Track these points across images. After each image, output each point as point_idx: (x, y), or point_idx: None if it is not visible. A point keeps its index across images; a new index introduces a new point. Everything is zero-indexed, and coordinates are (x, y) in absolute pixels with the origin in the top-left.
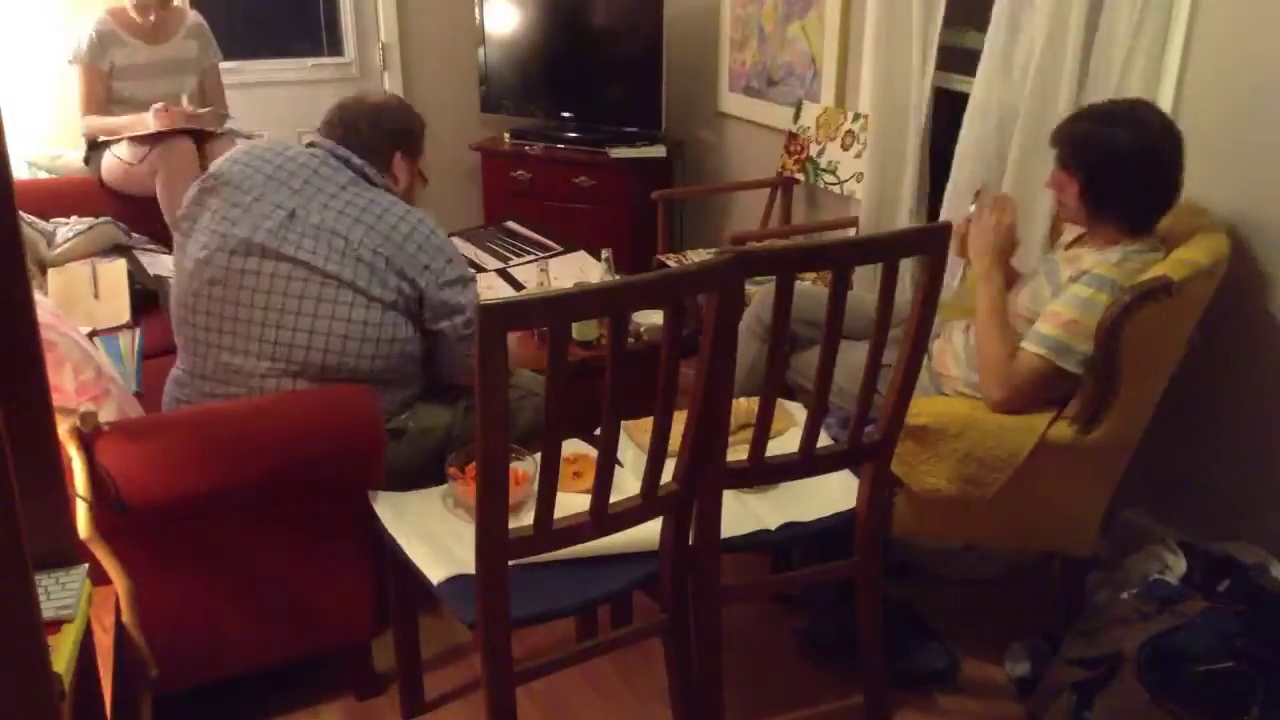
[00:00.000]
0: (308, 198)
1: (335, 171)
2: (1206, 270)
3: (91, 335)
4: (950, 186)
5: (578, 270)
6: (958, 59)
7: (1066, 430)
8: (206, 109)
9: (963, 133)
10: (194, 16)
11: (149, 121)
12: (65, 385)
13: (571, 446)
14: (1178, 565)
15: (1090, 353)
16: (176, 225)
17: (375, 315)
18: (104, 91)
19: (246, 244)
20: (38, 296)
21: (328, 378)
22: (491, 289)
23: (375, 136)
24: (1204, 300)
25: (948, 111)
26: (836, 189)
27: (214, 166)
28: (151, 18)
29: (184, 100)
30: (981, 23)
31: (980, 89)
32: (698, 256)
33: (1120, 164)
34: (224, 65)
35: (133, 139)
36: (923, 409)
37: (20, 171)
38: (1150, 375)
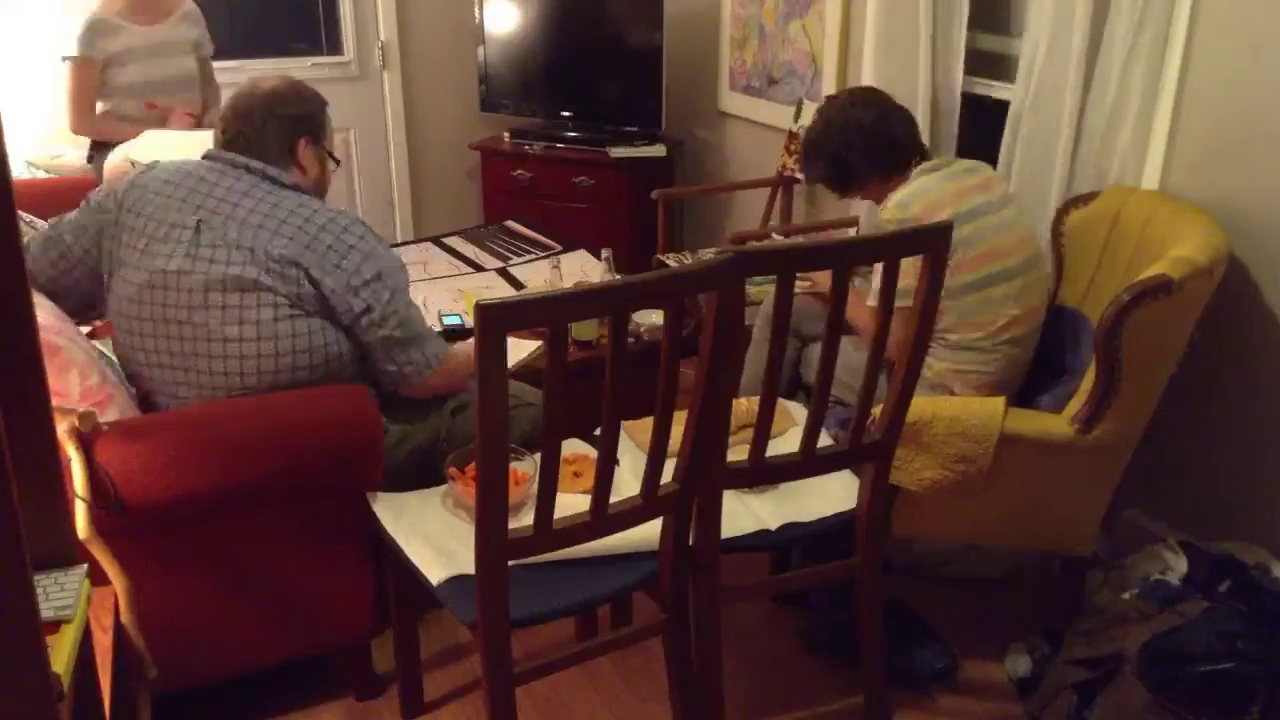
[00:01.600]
0: (211, 210)
1: (235, 180)
2: (1206, 269)
3: (91, 336)
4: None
5: (578, 270)
6: (980, 61)
7: (1066, 430)
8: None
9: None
10: (190, 3)
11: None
12: (70, 390)
13: (571, 446)
14: (1178, 565)
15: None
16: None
17: (300, 325)
18: (95, 90)
19: (162, 275)
20: (45, 301)
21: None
22: (491, 289)
23: (273, 130)
24: (1203, 299)
25: (962, 113)
26: None
27: (115, 190)
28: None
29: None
30: (989, 24)
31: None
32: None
33: (824, 141)
34: (224, 65)
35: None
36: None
37: (20, 171)
38: (1150, 374)
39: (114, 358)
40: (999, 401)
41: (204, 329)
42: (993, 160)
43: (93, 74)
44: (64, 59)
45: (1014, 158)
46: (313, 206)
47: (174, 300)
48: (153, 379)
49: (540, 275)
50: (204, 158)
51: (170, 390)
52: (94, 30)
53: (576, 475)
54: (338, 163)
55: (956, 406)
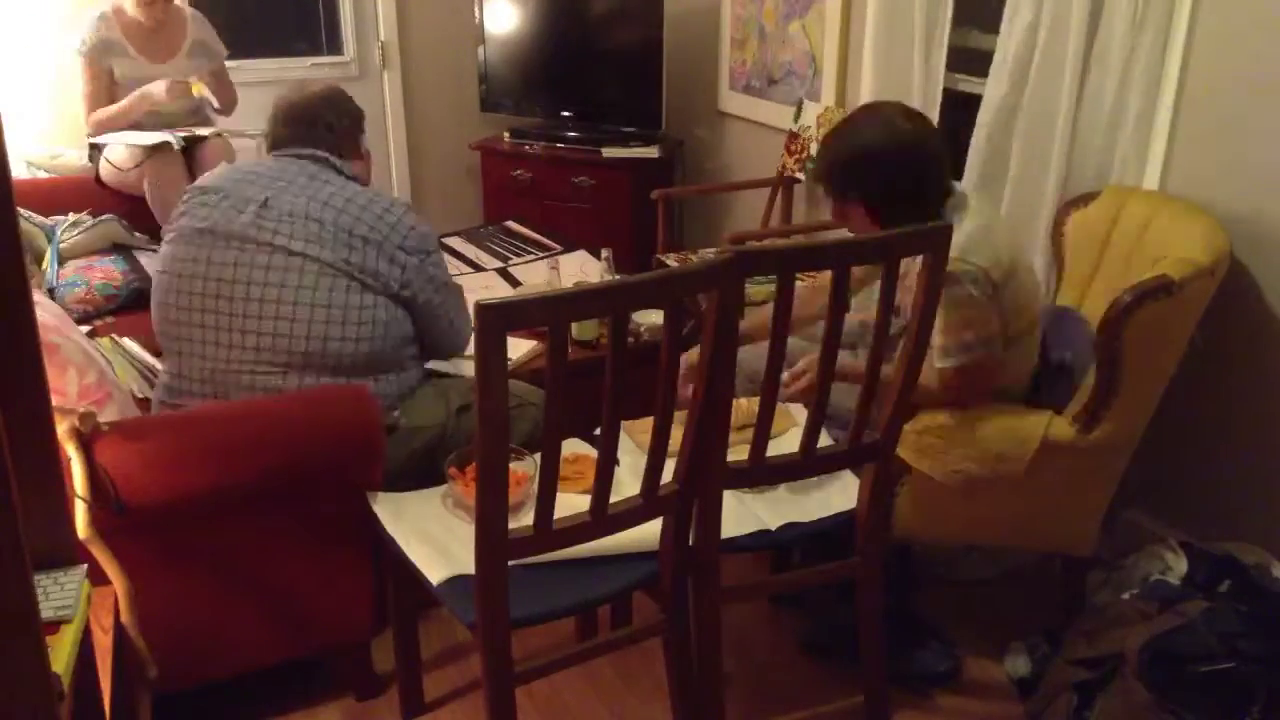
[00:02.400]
0: (279, 190)
1: (302, 168)
2: (1207, 270)
3: (91, 335)
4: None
5: (578, 269)
6: (962, 59)
7: (1067, 430)
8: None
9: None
10: (197, 30)
11: (154, 94)
12: (68, 389)
13: (571, 447)
14: (1178, 565)
15: (991, 333)
16: (164, 235)
17: (356, 298)
18: (108, 90)
19: (224, 235)
20: (43, 299)
21: (314, 365)
22: (491, 288)
23: (343, 125)
24: (1204, 300)
25: (950, 112)
26: None
27: (197, 182)
28: (156, 16)
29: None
30: (984, 23)
31: (993, 88)
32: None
33: (883, 165)
34: (224, 53)
35: (129, 145)
36: (935, 413)
37: (20, 171)
38: (1151, 375)
39: (112, 358)
40: (1039, 423)
41: (265, 289)
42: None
43: (105, 76)
44: (78, 53)
45: (1009, 157)
46: (375, 194)
47: (228, 259)
48: (202, 348)
49: (539, 275)
50: (272, 157)
51: (207, 360)
52: (106, 46)
53: (578, 475)
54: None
55: (1003, 415)
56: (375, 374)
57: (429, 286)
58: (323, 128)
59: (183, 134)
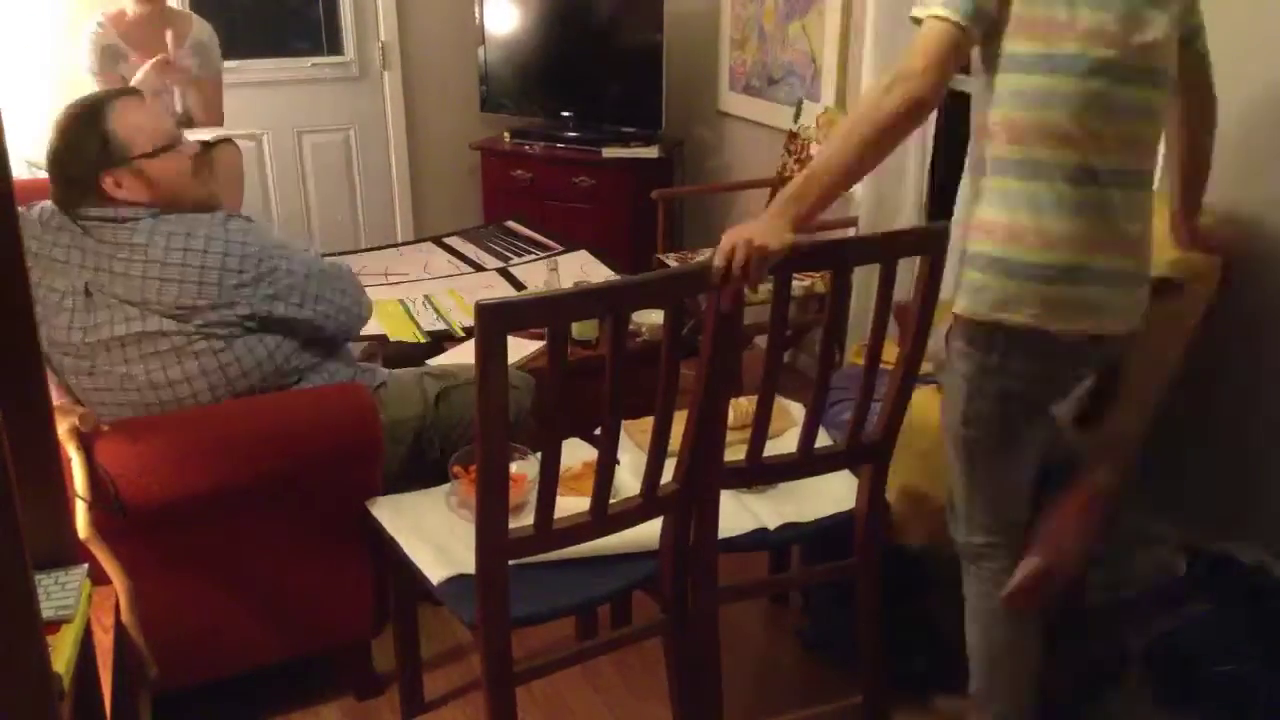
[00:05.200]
0: (91, 270)
1: (85, 233)
2: (1207, 270)
3: None
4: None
5: (577, 269)
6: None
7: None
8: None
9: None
10: (200, 31)
11: (144, 83)
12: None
13: (571, 448)
14: (1178, 565)
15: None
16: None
17: (225, 354)
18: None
19: (63, 345)
20: None
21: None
22: (492, 289)
23: (71, 180)
24: (1204, 299)
25: (950, 111)
26: None
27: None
28: (157, 6)
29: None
30: None
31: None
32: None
33: None
34: (223, 65)
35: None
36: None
37: (20, 171)
38: (1152, 374)
39: None
40: None
41: (133, 380)
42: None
43: (118, 81)
44: (94, 74)
45: None
46: (163, 238)
47: (85, 367)
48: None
49: (539, 276)
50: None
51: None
52: (111, 54)
53: (578, 477)
54: (201, 160)
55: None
56: (317, 374)
57: (279, 305)
58: (66, 184)
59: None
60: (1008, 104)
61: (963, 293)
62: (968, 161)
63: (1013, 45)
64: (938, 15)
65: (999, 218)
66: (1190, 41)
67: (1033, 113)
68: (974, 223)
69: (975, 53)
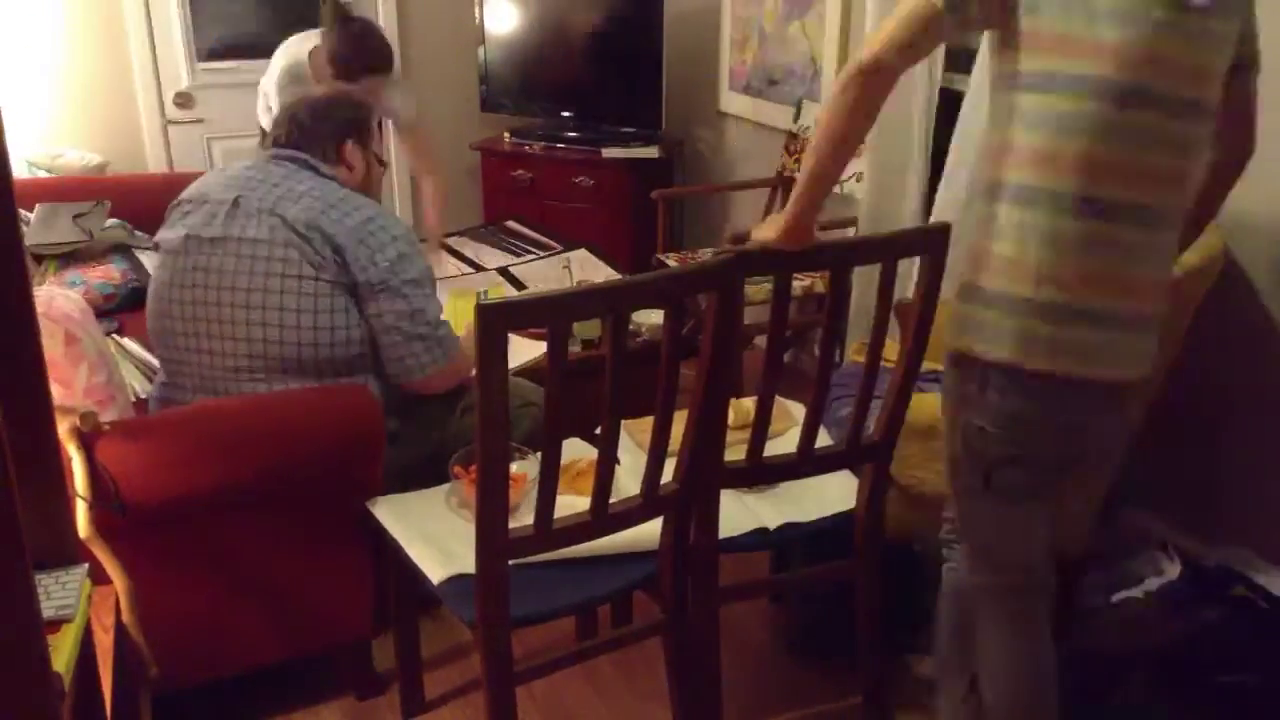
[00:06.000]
0: (252, 189)
1: (279, 167)
2: (1198, 269)
3: (119, 332)
4: (943, 186)
5: (577, 269)
6: (961, 59)
7: None
8: None
9: (957, 129)
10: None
11: None
12: (76, 383)
13: (571, 450)
14: (1171, 569)
15: None
16: (156, 247)
17: (323, 301)
18: None
19: (197, 240)
20: (70, 294)
21: (293, 371)
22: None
23: (322, 127)
24: (1197, 299)
25: (948, 111)
26: (836, 189)
27: (181, 195)
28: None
29: None
30: None
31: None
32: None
33: None
34: (223, 65)
35: None
36: (925, 407)
37: (20, 171)
38: None
39: (129, 365)
40: None
41: (230, 293)
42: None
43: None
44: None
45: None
46: (355, 198)
47: (204, 264)
48: (183, 355)
49: (540, 276)
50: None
51: (198, 367)
52: (292, 76)
53: (579, 475)
54: (384, 164)
55: None
56: (355, 377)
57: (377, 295)
58: (294, 128)
59: None
60: (1014, 125)
61: (984, 334)
62: (975, 184)
63: (1024, 62)
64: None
65: (1004, 251)
66: (1237, 73)
67: (1039, 137)
68: (984, 252)
69: (990, 66)
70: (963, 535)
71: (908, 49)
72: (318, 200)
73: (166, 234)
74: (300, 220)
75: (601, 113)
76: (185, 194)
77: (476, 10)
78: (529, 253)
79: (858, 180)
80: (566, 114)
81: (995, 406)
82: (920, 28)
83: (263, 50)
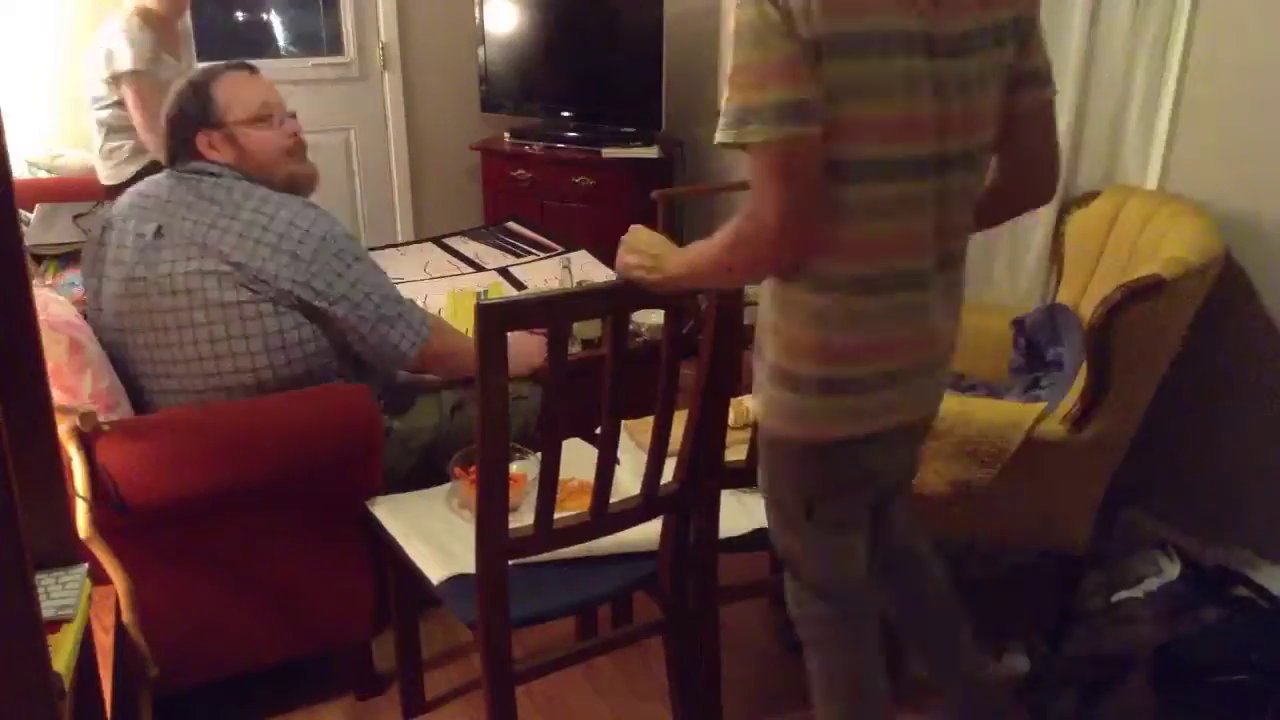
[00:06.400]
0: (169, 214)
1: (178, 182)
2: (1198, 269)
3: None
4: None
5: (577, 270)
6: None
7: (1058, 428)
8: None
9: None
10: (188, 24)
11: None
12: (82, 390)
13: (571, 451)
14: (1171, 569)
15: (784, 98)
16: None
17: (270, 322)
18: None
19: (127, 281)
20: (61, 298)
21: (281, 390)
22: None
23: (175, 136)
24: (1196, 299)
25: None
26: None
27: (100, 215)
28: (184, 17)
29: None
30: None
31: None
32: None
33: None
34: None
35: None
36: None
37: (20, 171)
38: (1142, 374)
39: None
40: (1018, 430)
41: (176, 331)
42: None
43: (156, 84)
44: (138, 72)
45: None
46: (256, 201)
47: (144, 306)
48: (146, 387)
49: (541, 276)
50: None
51: (163, 399)
52: (154, 51)
53: (569, 496)
54: (264, 120)
55: (979, 420)
56: (333, 381)
57: (340, 304)
58: (172, 142)
59: None
60: (840, 216)
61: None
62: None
63: (844, 151)
64: (761, 141)
65: (817, 335)
66: (1024, 88)
67: (874, 224)
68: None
69: None
70: (790, 572)
71: (803, 209)
72: (232, 220)
73: (103, 273)
74: (224, 254)
75: (601, 113)
76: (110, 218)
77: (476, 10)
78: (529, 253)
79: None
80: (566, 114)
81: (798, 474)
82: (796, 174)
83: (264, 50)
